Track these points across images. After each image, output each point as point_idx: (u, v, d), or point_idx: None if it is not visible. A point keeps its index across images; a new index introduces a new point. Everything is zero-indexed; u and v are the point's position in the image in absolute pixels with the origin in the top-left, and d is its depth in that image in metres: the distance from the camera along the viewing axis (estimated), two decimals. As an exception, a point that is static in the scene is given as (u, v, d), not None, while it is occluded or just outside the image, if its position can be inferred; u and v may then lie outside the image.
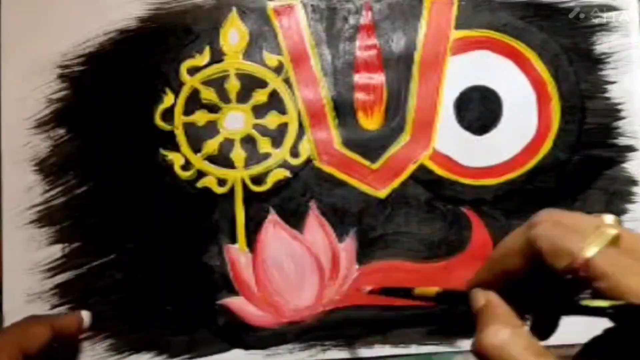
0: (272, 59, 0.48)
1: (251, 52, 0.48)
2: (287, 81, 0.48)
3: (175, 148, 0.48)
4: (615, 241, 0.30)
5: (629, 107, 0.48)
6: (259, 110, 0.48)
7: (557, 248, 0.30)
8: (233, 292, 0.47)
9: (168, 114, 0.48)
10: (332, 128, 0.48)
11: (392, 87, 0.48)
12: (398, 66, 0.48)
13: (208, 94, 0.48)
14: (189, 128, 0.48)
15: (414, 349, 0.47)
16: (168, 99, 0.48)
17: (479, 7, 0.48)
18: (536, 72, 0.48)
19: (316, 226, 0.47)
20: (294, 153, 0.48)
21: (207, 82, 0.48)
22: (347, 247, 0.47)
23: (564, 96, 0.48)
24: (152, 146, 0.48)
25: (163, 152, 0.48)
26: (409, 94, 0.48)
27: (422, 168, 0.48)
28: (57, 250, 0.47)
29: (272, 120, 0.48)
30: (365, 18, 0.49)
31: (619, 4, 0.49)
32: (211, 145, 0.48)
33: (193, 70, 0.48)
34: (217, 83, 0.48)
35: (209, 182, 0.48)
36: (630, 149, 0.48)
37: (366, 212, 0.48)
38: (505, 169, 0.48)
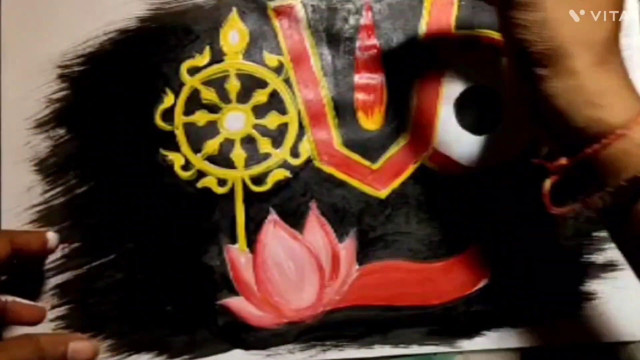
0: (272, 59, 0.48)
1: (251, 52, 0.48)
2: (287, 81, 0.48)
3: (176, 148, 0.48)
4: None
5: (629, 107, 0.48)
6: (259, 111, 0.48)
7: None
8: (233, 292, 0.47)
9: (168, 114, 0.48)
10: (332, 128, 0.48)
11: (392, 87, 0.48)
12: (398, 66, 0.48)
13: (208, 94, 0.48)
14: (189, 128, 0.48)
15: (414, 349, 0.47)
16: (168, 99, 0.48)
17: (479, 7, 0.48)
18: (536, 72, 0.48)
19: (316, 226, 0.47)
20: (294, 153, 0.48)
21: (207, 82, 0.48)
22: (347, 247, 0.47)
23: (564, 96, 0.48)
24: (152, 146, 0.48)
25: (163, 152, 0.48)
26: (410, 93, 0.48)
27: (422, 168, 0.48)
28: (57, 251, 0.47)
29: (272, 120, 0.48)
30: (365, 18, 0.49)
31: (619, 4, 0.48)
32: (211, 146, 0.48)
33: (193, 71, 0.48)
34: (217, 83, 0.48)
35: (209, 182, 0.48)
36: (630, 149, 0.48)
37: (366, 212, 0.47)
38: (506, 169, 0.48)
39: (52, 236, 0.46)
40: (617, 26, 0.32)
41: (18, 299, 0.45)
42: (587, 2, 0.31)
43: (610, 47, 0.32)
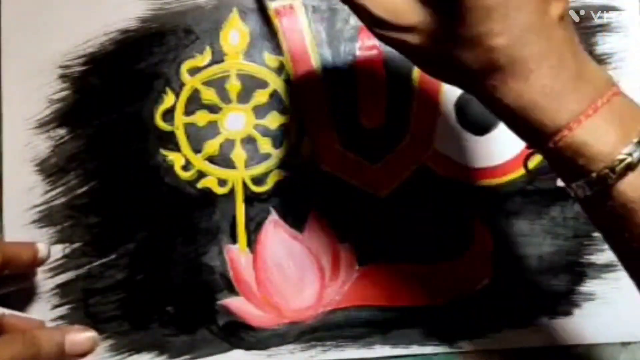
0: (272, 60, 0.48)
1: (252, 52, 0.48)
2: (287, 81, 0.48)
3: (176, 148, 0.48)
4: None
5: (629, 108, 0.48)
6: (259, 111, 0.48)
7: None
8: (233, 292, 0.47)
9: (169, 115, 0.48)
10: (333, 128, 0.48)
11: (392, 88, 0.48)
12: (399, 67, 0.48)
13: (209, 95, 0.48)
14: (189, 128, 0.48)
15: (414, 350, 0.47)
16: (169, 100, 0.48)
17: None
18: (537, 72, 0.48)
19: (317, 226, 0.47)
20: (295, 153, 0.48)
21: (207, 83, 0.48)
22: (348, 247, 0.47)
23: (565, 96, 0.48)
24: (152, 147, 0.48)
25: (163, 152, 0.48)
26: (410, 94, 0.48)
27: (422, 168, 0.48)
28: (57, 251, 0.47)
29: (272, 120, 0.48)
30: (365, 18, 0.49)
31: (620, 4, 0.49)
32: (212, 146, 0.48)
33: (194, 71, 0.48)
34: (218, 83, 0.48)
35: (209, 182, 0.48)
36: (631, 149, 0.48)
37: (367, 213, 0.47)
38: (506, 169, 0.48)
39: (42, 247, 0.45)
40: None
41: (15, 312, 0.44)
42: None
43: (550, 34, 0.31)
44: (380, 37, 0.34)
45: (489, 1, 0.29)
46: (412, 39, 0.32)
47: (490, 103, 0.32)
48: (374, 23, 0.33)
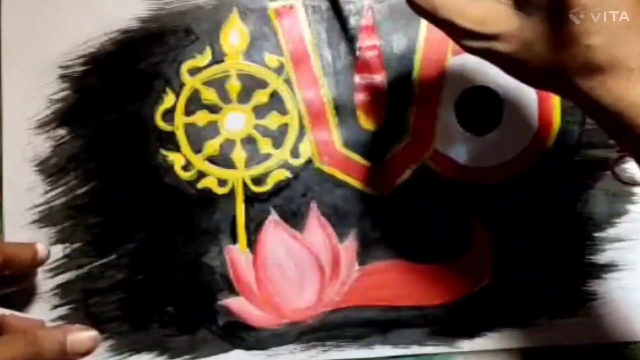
0: (272, 60, 0.48)
1: (252, 52, 0.48)
2: (287, 82, 0.48)
3: (176, 148, 0.48)
4: None
5: (629, 108, 0.48)
6: (259, 111, 0.48)
7: None
8: (233, 292, 0.47)
9: (169, 115, 0.48)
10: (333, 128, 0.48)
11: (392, 88, 0.48)
12: (399, 67, 0.48)
13: (209, 95, 0.48)
14: (189, 128, 0.48)
15: (414, 350, 0.47)
16: (169, 100, 0.48)
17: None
18: (537, 72, 0.48)
19: (317, 227, 0.47)
20: (295, 153, 0.48)
21: (207, 83, 0.48)
22: (348, 247, 0.47)
23: (565, 96, 0.48)
24: (152, 147, 0.48)
25: (164, 152, 0.48)
26: (410, 94, 0.48)
27: (422, 168, 0.48)
28: (58, 251, 0.47)
29: (272, 120, 0.48)
30: (366, 19, 0.49)
31: (620, 4, 0.48)
32: (212, 146, 0.48)
33: (194, 71, 0.48)
34: (218, 83, 0.48)
35: (209, 182, 0.48)
36: (631, 149, 0.48)
37: (367, 213, 0.47)
38: (506, 169, 0.48)
39: (41, 247, 0.45)
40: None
41: (15, 313, 0.44)
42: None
43: None
44: (469, 49, 0.33)
45: (584, 0, 0.29)
46: (501, 46, 0.32)
47: (587, 105, 0.31)
48: (461, 35, 0.32)
